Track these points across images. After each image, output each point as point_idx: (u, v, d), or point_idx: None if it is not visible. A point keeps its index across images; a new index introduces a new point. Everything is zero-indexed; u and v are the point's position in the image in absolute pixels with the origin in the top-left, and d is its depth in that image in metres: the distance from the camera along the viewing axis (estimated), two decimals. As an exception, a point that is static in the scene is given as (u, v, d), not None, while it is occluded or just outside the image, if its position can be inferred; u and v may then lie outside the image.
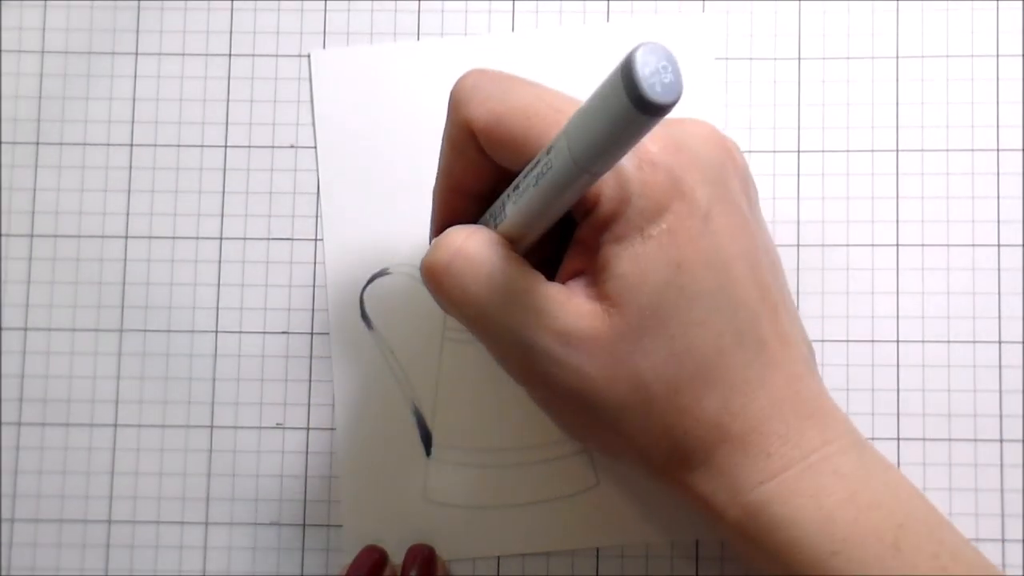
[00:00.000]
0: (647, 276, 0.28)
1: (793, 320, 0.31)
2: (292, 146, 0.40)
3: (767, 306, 0.30)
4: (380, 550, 0.37)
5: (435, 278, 0.30)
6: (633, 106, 0.23)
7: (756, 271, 0.30)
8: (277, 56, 0.40)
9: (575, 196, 0.28)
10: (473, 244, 0.30)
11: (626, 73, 0.23)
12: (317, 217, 0.39)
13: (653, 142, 0.29)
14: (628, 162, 0.28)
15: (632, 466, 0.32)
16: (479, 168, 0.31)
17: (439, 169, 0.32)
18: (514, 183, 0.30)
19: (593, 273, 0.29)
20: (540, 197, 0.28)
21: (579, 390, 0.29)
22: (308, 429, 0.39)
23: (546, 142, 0.28)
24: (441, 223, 0.33)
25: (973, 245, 0.38)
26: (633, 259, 0.28)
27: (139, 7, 0.40)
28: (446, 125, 0.31)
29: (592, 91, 0.25)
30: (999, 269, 0.38)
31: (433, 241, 0.31)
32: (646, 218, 0.28)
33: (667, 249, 0.28)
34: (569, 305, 0.29)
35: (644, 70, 0.23)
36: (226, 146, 0.40)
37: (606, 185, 0.28)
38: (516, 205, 0.29)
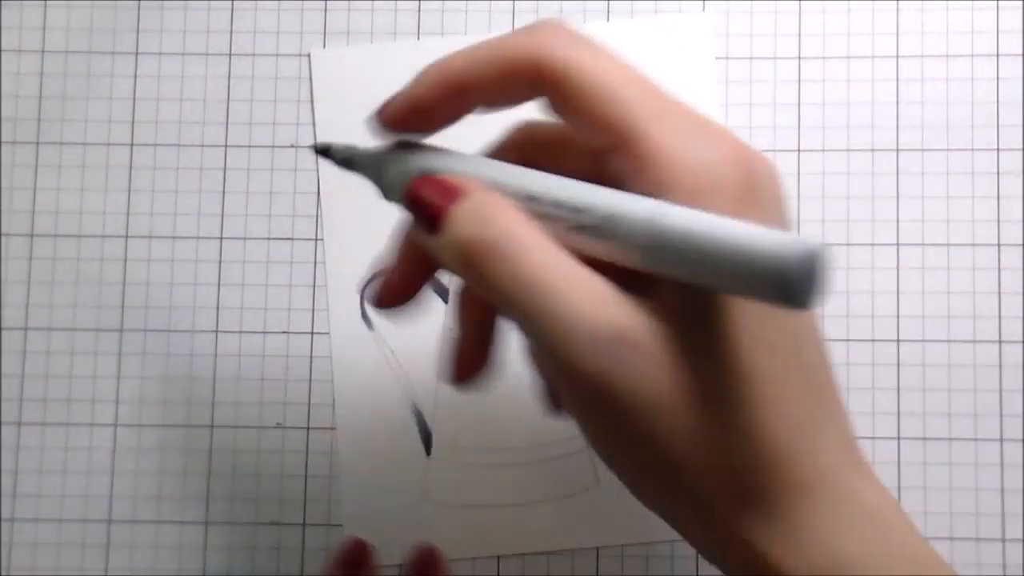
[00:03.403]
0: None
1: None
2: (292, 146, 0.40)
3: (827, 361, 0.27)
4: (363, 542, 0.37)
5: (476, 258, 0.26)
6: (779, 298, 0.22)
7: (816, 320, 0.27)
8: (277, 56, 0.40)
9: None
10: (516, 224, 0.26)
11: (782, 273, 0.21)
12: (317, 217, 0.39)
13: None
14: None
15: (678, 507, 0.27)
16: (504, 94, 0.27)
17: (458, 54, 0.28)
18: (551, 184, 0.26)
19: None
20: (587, 240, 0.25)
21: (625, 392, 0.25)
22: (308, 429, 0.39)
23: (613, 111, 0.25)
24: (421, 98, 0.28)
25: (973, 245, 0.38)
26: None
27: (139, 7, 0.40)
28: (502, 41, 0.27)
29: (719, 234, 0.23)
30: (999, 269, 0.38)
31: (459, 211, 0.26)
32: None
33: None
34: (627, 300, 0.25)
35: (803, 280, 0.21)
36: (226, 146, 0.40)
37: None
38: (559, 209, 0.26)
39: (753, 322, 0.25)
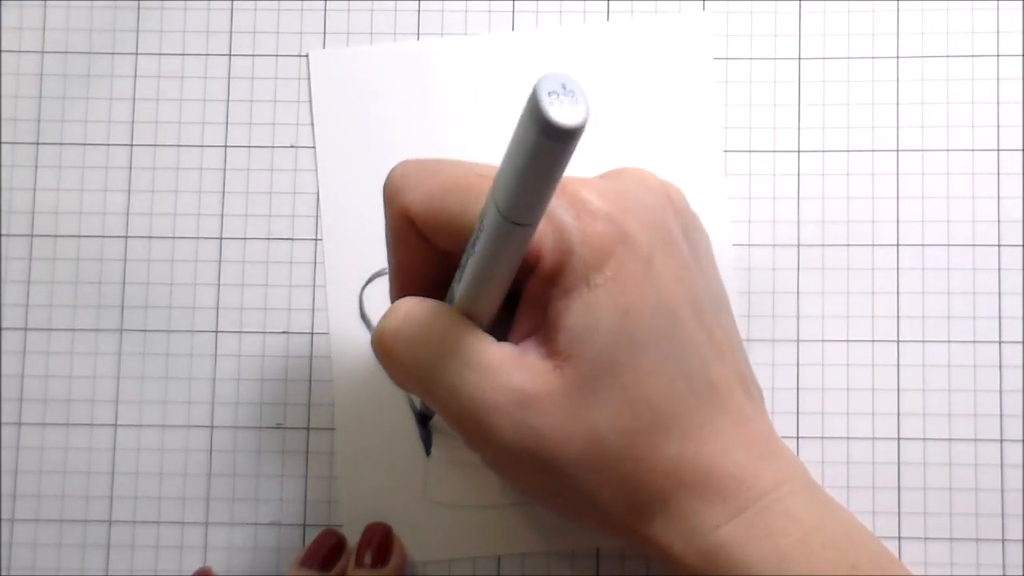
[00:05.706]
0: (597, 326, 0.28)
1: (741, 361, 0.31)
2: (292, 146, 0.40)
3: (713, 348, 0.30)
4: (338, 534, 0.37)
5: (385, 345, 0.30)
6: (541, 134, 0.23)
7: (701, 314, 0.30)
8: (277, 56, 0.40)
9: (516, 255, 0.28)
10: (421, 309, 0.29)
11: (531, 104, 0.23)
12: (317, 217, 0.39)
13: (590, 191, 0.29)
14: (566, 214, 0.28)
15: (591, 526, 0.31)
16: (425, 255, 0.31)
17: (389, 266, 0.33)
18: (460, 263, 0.30)
19: (544, 330, 0.29)
20: (480, 262, 0.28)
21: (535, 451, 0.28)
22: (308, 429, 0.39)
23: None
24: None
25: (973, 245, 0.38)
26: (582, 310, 0.28)
27: (139, 7, 0.40)
28: (386, 219, 0.31)
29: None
30: (999, 269, 0.38)
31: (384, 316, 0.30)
32: (590, 267, 0.28)
33: (614, 296, 0.28)
34: (522, 364, 0.29)
35: (546, 96, 0.23)
36: (226, 146, 0.40)
37: (546, 238, 0.28)
38: (462, 280, 0.29)
39: (639, 358, 0.28)
